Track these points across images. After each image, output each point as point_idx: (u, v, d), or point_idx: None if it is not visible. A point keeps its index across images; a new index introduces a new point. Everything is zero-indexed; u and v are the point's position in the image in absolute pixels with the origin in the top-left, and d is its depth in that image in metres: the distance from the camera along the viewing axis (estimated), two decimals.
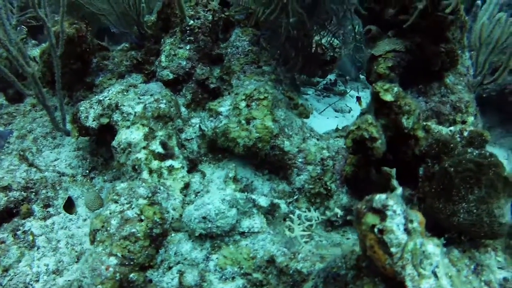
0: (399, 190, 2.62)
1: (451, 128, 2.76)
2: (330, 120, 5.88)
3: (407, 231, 1.58)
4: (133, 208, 2.64)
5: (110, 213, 2.63)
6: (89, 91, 3.95)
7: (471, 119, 2.98)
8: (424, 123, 2.80)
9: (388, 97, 2.56)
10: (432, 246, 1.61)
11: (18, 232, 3.07)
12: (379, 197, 1.59)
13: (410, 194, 2.70)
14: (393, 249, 1.48)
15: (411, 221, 1.63)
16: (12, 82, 3.12)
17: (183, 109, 3.72)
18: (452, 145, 2.51)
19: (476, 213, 2.25)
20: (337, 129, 3.97)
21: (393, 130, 2.67)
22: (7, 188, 3.18)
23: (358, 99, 4.40)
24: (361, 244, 1.64)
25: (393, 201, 1.55)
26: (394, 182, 2.65)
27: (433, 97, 3.18)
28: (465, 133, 2.58)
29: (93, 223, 2.63)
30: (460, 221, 2.29)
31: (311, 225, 2.89)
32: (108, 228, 2.56)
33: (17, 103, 4.32)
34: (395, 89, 2.57)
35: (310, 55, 4.29)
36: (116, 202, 2.69)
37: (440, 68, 3.05)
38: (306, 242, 2.84)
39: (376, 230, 1.54)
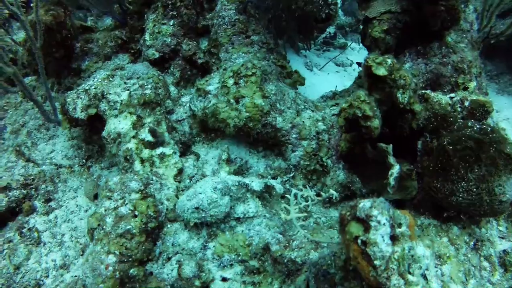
0: (396, 168, 2.52)
1: (452, 95, 2.58)
2: (331, 76, 5.63)
3: (394, 237, 1.51)
4: (126, 204, 2.61)
5: (105, 211, 2.62)
6: (77, 77, 3.83)
7: (473, 84, 2.77)
8: (423, 92, 2.62)
9: (381, 71, 2.37)
10: (422, 248, 1.54)
11: (24, 230, 3.13)
12: (363, 206, 1.50)
13: (409, 170, 2.59)
14: (377, 262, 1.42)
15: (400, 225, 1.55)
16: None
17: (172, 88, 3.59)
18: (451, 118, 2.35)
19: (475, 192, 2.15)
20: (334, 95, 3.78)
21: (389, 105, 2.51)
22: (6, 188, 3.20)
23: (360, 64, 4.15)
24: (346, 252, 1.59)
25: (377, 211, 1.46)
26: (391, 159, 2.54)
27: (433, 59, 2.95)
28: (466, 103, 2.41)
29: (90, 221, 2.63)
30: (459, 200, 2.20)
31: (307, 205, 2.84)
32: (104, 227, 2.56)
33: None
34: (389, 61, 2.37)
35: (303, 16, 4.00)
36: (109, 198, 2.67)
37: (440, 27, 2.80)
38: (304, 220, 2.81)
39: (359, 241, 1.47)
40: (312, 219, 2.85)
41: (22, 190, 3.28)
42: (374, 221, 1.45)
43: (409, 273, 1.50)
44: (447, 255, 2.25)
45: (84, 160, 3.58)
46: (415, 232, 1.61)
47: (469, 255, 2.31)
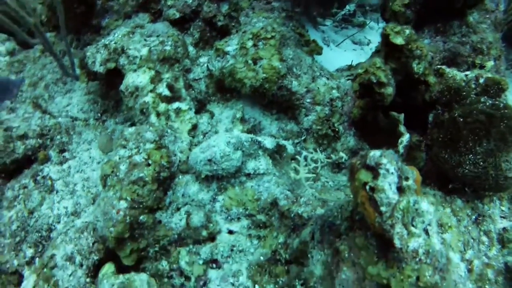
0: (406, 136, 2.57)
1: (467, 72, 2.60)
2: (348, 53, 5.62)
3: (400, 189, 1.57)
4: (141, 153, 2.69)
5: (119, 158, 2.70)
6: (97, 34, 3.88)
7: (490, 63, 2.78)
8: (439, 67, 2.65)
9: (399, 40, 2.40)
10: (426, 204, 1.60)
11: (38, 178, 3.23)
12: (373, 154, 1.57)
13: (418, 141, 2.64)
14: (383, 208, 1.49)
15: (407, 179, 1.61)
16: (15, 32, 3.06)
17: (191, 48, 3.63)
18: (464, 93, 2.38)
19: (482, 166, 2.20)
20: (350, 67, 3.81)
21: (403, 74, 2.55)
22: (23, 137, 3.30)
23: None
24: (354, 198, 1.66)
25: (386, 160, 1.53)
26: (402, 128, 2.59)
27: (452, 37, 2.96)
28: (481, 80, 2.43)
29: (103, 168, 2.72)
30: (465, 172, 2.25)
31: (316, 167, 2.90)
32: (118, 173, 2.64)
33: (28, 47, 4.30)
34: (407, 31, 2.40)
35: None
36: (124, 147, 2.75)
37: (464, 4, 2.79)
38: (313, 183, 2.88)
39: (367, 187, 1.53)
40: (320, 183, 2.92)
41: (38, 139, 3.38)
42: (383, 169, 1.51)
43: (412, 225, 1.56)
44: (449, 224, 2.31)
45: (99, 114, 3.66)
46: (420, 188, 1.67)
47: (470, 228, 2.37)
